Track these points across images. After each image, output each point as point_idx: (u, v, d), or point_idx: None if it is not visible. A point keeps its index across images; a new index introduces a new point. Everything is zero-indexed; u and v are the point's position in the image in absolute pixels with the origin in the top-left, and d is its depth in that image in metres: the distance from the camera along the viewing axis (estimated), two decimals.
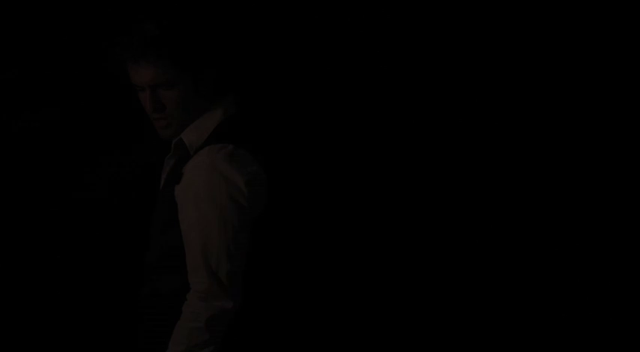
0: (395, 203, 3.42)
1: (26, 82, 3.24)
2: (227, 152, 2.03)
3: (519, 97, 3.41)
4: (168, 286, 2.07)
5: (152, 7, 2.06)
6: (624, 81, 3.38)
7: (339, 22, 3.35)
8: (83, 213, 3.29)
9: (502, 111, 3.42)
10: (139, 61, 2.02)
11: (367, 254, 3.43)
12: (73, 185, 3.28)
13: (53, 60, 3.24)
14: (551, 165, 3.43)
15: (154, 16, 2.03)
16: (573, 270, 3.44)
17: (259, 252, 2.08)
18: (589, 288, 3.43)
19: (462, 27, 3.38)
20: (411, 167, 3.41)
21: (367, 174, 3.41)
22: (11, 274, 3.26)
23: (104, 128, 3.30)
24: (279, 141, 3.24)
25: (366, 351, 3.39)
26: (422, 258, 3.43)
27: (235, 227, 2.00)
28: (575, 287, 3.43)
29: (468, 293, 3.45)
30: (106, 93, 3.26)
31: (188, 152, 2.10)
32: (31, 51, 3.24)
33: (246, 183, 2.00)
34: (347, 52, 3.37)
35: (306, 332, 3.31)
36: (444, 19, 3.38)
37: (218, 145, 2.05)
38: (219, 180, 1.99)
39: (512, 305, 3.45)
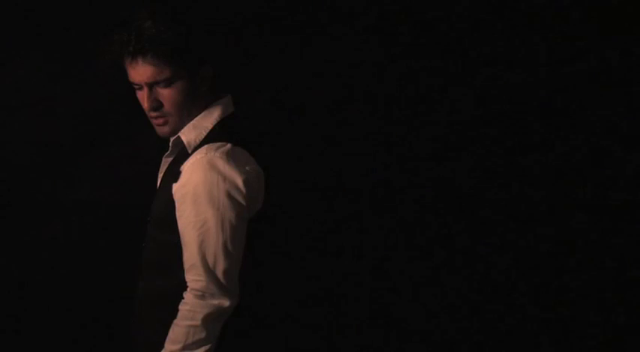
0: (392, 201, 3.43)
1: (26, 82, 3.24)
2: (225, 150, 2.03)
3: (519, 97, 3.41)
4: (164, 284, 2.07)
5: (150, 5, 2.05)
6: (625, 80, 3.38)
7: (338, 22, 3.35)
8: (81, 212, 3.29)
9: (502, 111, 3.42)
10: (136, 58, 2.02)
11: (365, 252, 3.43)
12: (72, 184, 3.29)
13: (53, 58, 3.25)
14: (550, 164, 3.44)
15: (152, 14, 2.03)
16: (572, 270, 3.45)
17: (256, 251, 2.08)
18: (588, 288, 3.43)
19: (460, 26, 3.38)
20: (408, 164, 3.42)
21: (365, 173, 3.41)
22: (10, 273, 3.26)
23: (102, 127, 3.30)
24: (277, 139, 3.25)
25: (364, 350, 3.40)
26: (420, 255, 3.43)
27: (233, 225, 2.00)
28: (574, 286, 3.44)
29: (468, 293, 3.46)
30: (104, 91, 3.26)
31: (186, 150, 2.09)
32: (31, 49, 3.25)
33: (244, 182, 2.00)
34: (345, 52, 3.37)
35: (303, 330, 3.31)
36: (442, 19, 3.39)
37: (216, 144, 2.05)
38: (217, 179, 1.99)
39: (512, 305, 3.45)
